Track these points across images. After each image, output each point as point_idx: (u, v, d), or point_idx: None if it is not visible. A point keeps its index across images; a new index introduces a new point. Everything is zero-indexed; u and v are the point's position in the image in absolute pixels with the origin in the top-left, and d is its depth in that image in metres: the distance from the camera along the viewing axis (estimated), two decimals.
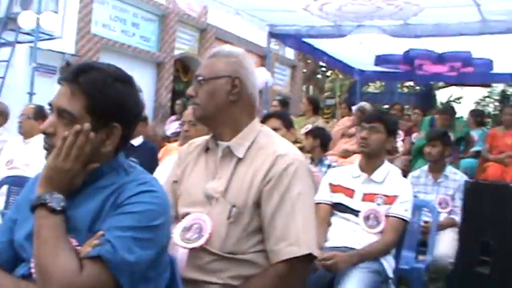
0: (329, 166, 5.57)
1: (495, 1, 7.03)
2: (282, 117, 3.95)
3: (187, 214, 2.12)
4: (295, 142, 6.64)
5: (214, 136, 2.20)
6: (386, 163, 3.53)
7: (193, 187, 2.17)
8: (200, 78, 2.11)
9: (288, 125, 3.90)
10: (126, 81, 1.72)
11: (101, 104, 1.65)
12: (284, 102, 9.70)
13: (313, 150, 5.88)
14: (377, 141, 3.43)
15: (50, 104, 1.70)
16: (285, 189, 2.01)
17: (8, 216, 1.84)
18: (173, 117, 9.85)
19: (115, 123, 1.68)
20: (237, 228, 2.02)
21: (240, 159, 2.10)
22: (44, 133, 1.69)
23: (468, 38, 8.39)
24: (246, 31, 16.21)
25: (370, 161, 3.47)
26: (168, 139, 7.36)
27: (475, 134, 8.36)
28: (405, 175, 5.24)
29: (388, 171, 3.45)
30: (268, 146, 2.10)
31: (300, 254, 1.95)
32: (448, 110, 8.32)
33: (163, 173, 3.11)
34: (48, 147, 1.70)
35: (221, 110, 2.12)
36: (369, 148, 3.44)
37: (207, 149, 2.23)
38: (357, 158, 3.69)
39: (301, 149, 6.88)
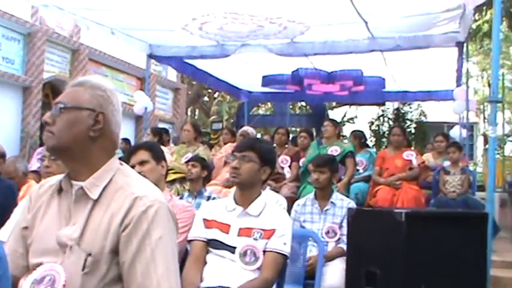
0: (209, 198, 5.60)
1: (382, 18, 7.48)
2: (150, 148, 3.95)
3: (39, 264, 2.07)
4: (172, 171, 6.80)
5: (69, 175, 2.17)
6: (263, 194, 3.59)
7: (46, 234, 2.13)
8: (61, 105, 2.10)
9: (158, 157, 3.91)
10: None
11: None
12: (157, 131, 9.68)
13: (197, 181, 5.96)
14: (249, 171, 3.49)
15: None
16: (144, 234, 2.00)
17: None
18: (41, 150, 9.55)
19: None
20: (93, 279, 1.99)
21: (95, 202, 2.07)
22: None
23: (359, 56, 8.84)
24: (123, 52, 16.13)
25: (245, 193, 3.52)
26: (38, 174, 7.11)
27: (363, 158, 8.70)
28: (294, 203, 5.47)
29: (265, 203, 3.51)
30: (126, 187, 2.09)
31: None
32: (330, 119, 8.69)
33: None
34: None
35: (78, 144, 2.10)
36: (240, 178, 3.49)
37: (60, 190, 2.19)
38: None
39: (183, 179, 7.12)
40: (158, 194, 2.12)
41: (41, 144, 11.56)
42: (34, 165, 8.45)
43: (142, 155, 3.85)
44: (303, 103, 19.54)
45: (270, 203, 3.58)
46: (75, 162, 2.13)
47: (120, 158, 2.28)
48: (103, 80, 2.23)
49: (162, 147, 4.54)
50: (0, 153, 5.15)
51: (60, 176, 2.22)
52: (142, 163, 3.78)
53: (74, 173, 2.14)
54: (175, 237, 2.12)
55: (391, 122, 19.70)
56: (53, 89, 15.96)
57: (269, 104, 21.59)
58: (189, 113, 24.75)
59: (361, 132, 9.77)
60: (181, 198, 5.57)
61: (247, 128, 8.67)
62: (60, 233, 2.06)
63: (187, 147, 8.25)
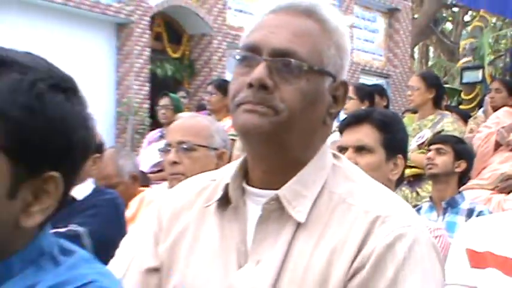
0: (471, 213, 5.59)
1: None
2: (381, 126, 3.95)
3: None
4: None
5: (243, 176, 2.29)
6: None
7: (200, 280, 2.23)
8: (294, 61, 2.14)
9: (391, 145, 3.91)
10: (69, 88, 1.74)
11: (26, 135, 1.66)
12: (365, 91, 9.52)
13: (448, 181, 5.93)
14: None
15: None
16: (390, 286, 2.03)
17: None
18: (156, 133, 9.99)
19: (50, 170, 1.69)
20: None
21: (300, 226, 2.14)
22: None
23: None
24: None
25: None
26: (144, 179, 7.48)
27: None
28: None
29: None
30: (353, 199, 2.16)
31: None
32: None
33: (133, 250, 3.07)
34: None
35: (307, 136, 2.23)
36: None
37: (222, 203, 2.28)
38: None
39: (417, 177, 7.17)
40: (411, 213, 2.22)
41: (155, 126, 11.91)
42: (143, 162, 8.74)
43: (365, 134, 3.88)
44: None
45: None
46: (282, 157, 2.23)
47: None
48: (336, 12, 2.29)
49: None
50: (95, 146, 5.25)
51: (216, 175, 2.40)
52: (360, 150, 3.81)
53: (260, 173, 2.26)
54: None
55: None
56: (167, 25, 16.81)
57: None
58: (416, 55, 24.56)
59: None
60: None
61: None
62: (236, 279, 2.16)
63: (420, 118, 8.13)
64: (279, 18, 2.19)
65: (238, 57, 2.21)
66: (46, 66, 1.72)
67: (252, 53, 2.16)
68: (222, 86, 9.64)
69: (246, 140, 2.27)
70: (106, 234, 4.67)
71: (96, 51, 14.70)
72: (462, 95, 15.47)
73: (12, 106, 1.63)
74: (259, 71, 2.10)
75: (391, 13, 21.50)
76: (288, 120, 2.13)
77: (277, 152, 2.19)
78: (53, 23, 13.94)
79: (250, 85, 2.11)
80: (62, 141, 1.69)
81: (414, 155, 7.33)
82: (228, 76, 13.20)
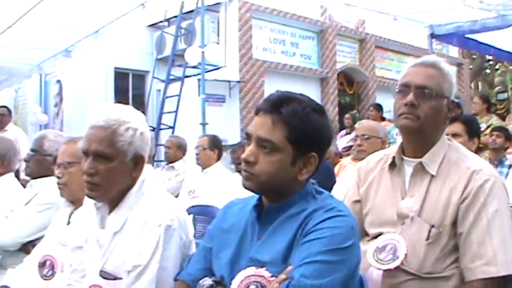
0: (510, 167, 5.55)
1: None
2: (467, 122, 3.87)
3: (378, 234, 2.19)
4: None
5: (401, 151, 2.27)
6: None
7: (382, 206, 2.24)
8: (428, 90, 2.16)
9: (472, 132, 3.84)
10: (321, 111, 1.82)
11: (301, 134, 1.75)
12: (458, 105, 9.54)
13: (500, 150, 5.91)
14: None
15: (247, 134, 1.81)
16: (481, 206, 2.02)
17: (202, 245, 2.01)
18: (343, 132, 10.17)
19: (313, 152, 1.79)
20: (435, 248, 2.06)
21: (433, 177, 2.14)
22: (246, 161, 1.78)
23: None
24: (405, 35, 16.22)
25: None
26: (340, 155, 7.67)
27: None
28: None
29: None
30: (460, 162, 2.15)
31: (497, 275, 1.96)
32: None
33: (342, 190, 3.42)
34: (249, 175, 1.78)
35: (435, 130, 2.20)
36: None
37: (391, 165, 2.29)
38: None
39: (479, 149, 6.95)
40: (492, 168, 2.16)
41: (341, 128, 12.16)
42: (339, 146, 9.02)
43: (457, 127, 3.78)
44: None
45: None
46: (421, 143, 2.21)
47: None
48: (448, 65, 2.28)
49: None
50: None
51: (386, 152, 2.39)
52: (454, 136, 3.58)
53: (412, 150, 2.24)
54: (509, 213, 2.09)
55: None
56: (346, 77, 16.82)
57: None
58: (472, 87, 24.01)
59: None
60: None
61: None
62: (401, 205, 2.17)
63: (479, 118, 7.85)
64: (417, 69, 2.21)
65: (397, 90, 2.21)
66: (309, 99, 1.81)
67: (405, 87, 2.17)
68: (377, 107, 9.95)
69: (403, 133, 2.23)
70: (325, 183, 4.82)
71: (311, 94, 14.72)
72: (497, 105, 15.36)
73: (294, 119, 1.73)
74: (410, 97, 2.13)
75: (459, 65, 20.64)
76: (425, 122, 2.13)
77: (420, 138, 2.19)
78: (288, 81, 14.22)
79: (405, 104, 2.14)
80: (318, 137, 1.79)
81: None
82: (379, 101, 13.43)
